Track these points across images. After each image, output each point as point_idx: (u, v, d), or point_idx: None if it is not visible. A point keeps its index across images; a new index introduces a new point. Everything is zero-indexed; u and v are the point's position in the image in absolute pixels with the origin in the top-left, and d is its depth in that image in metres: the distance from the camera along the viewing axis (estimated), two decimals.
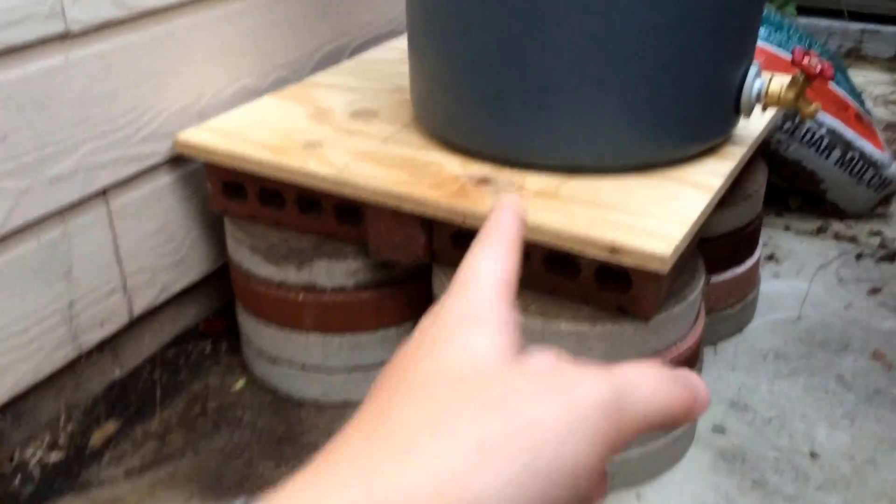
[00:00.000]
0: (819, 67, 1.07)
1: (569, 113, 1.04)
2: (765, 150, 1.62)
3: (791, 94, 1.11)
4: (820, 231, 1.64)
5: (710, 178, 1.07)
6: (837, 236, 1.62)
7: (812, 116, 1.12)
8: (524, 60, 1.02)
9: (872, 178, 1.62)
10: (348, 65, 1.47)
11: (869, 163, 1.61)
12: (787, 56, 1.65)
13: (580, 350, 1.00)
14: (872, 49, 2.53)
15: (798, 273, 1.51)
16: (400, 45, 1.44)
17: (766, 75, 1.14)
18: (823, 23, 2.57)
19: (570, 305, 1.02)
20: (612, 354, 1.01)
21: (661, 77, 1.03)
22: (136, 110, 1.13)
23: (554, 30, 0.99)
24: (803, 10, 2.60)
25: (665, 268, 0.91)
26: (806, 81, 1.10)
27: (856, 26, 2.54)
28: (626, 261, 0.93)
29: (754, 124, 1.21)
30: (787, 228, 1.66)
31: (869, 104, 2.22)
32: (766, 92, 1.11)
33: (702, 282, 1.09)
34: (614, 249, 0.93)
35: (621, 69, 1.01)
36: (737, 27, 1.07)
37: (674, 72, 1.03)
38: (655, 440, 1.08)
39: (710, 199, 1.04)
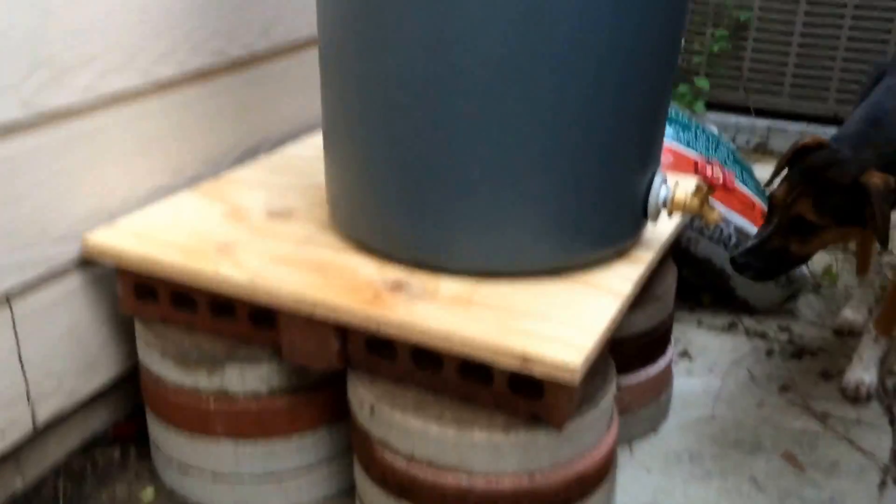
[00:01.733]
0: (721, 178, 1.11)
1: (481, 219, 1.06)
2: (675, 248, 1.66)
3: (695, 202, 1.14)
4: (731, 327, 1.69)
5: (620, 284, 1.10)
6: (748, 332, 1.67)
7: (715, 223, 1.16)
8: (438, 167, 1.04)
9: None
10: (267, 160, 1.47)
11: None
12: (694, 155, 1.72)
13: (495, 459, 0.99)
14: (779, 144, 2.65)
15: (711, 370, 1.54)
16: (319, 140, 1.45)
17: (671, 182, 1.17)
18: (732, 119, 2.68)
19: (485, 412, 1.02)
20: (526, 463, 1.00)
21: (571, 185, 1.05)
22: (43, 211, 1.11)
23: (467, 138, 1.01)
24: (712, 106, 2.71)
25: (575, 378, 0.92)
26: (709, 190, 1.14)
27: (762, 123, 2.66)
28: (537, 371, 0.93)
29: (662, 228, 1.24)
30: (699, 324, 1.69)
31: None
32: (672, 199, 1.15)
33: (613, 386, 1.10)
34: (525, 359, 0.94)
35: (532, 177, 1.03)
36: (642, 137, 1.11)
37: (583, 181, 1.06)
38: None
39: (620, 306, 1.06)
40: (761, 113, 2.67)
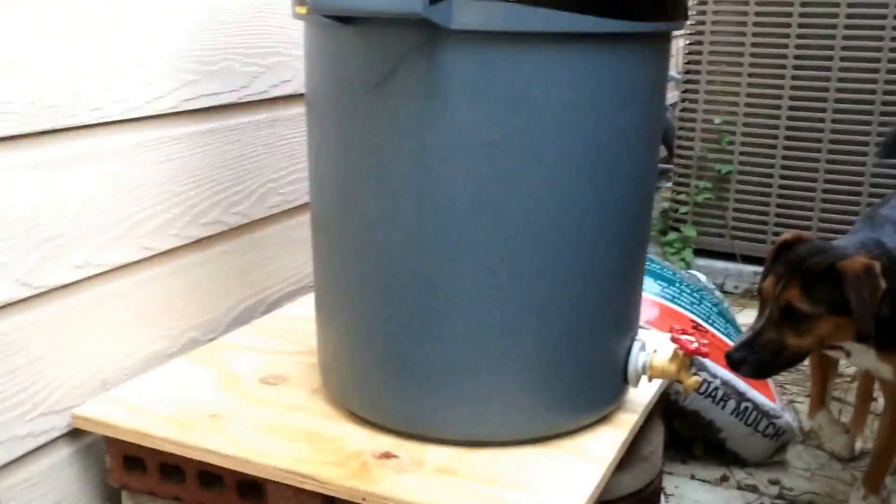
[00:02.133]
0: (697, 345, 1.14)
1: (467, 391, 1.08)
2: (664, 401, 1.68)
3: (673, 368, 1.17)
4: (723, 480, 1.68)
5: (603, 450, 1.11)
6: (740, 486, 1.66)
7: (694, 388, 1.18)
8: (424, 343, 1.07)
9: (767, 427, 1.68)
10: (262, 323, 1.50)
11: (762, 412, 1.68)
12: (679, 309, 1.75)
13: None
14: None
15: None
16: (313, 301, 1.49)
17: (650, 348, 1.20)
18: (720, 265, 2.74)
19: None
20: None
21: (552, 357, 1.09)
22: (35, 386, 1.13)
23: (451, 317, 1.05)
24: (701, 253, 2.78)
25: None
26: (686, 357, 1.17)
27: (749, 268, 2.71)
28: None
29: (644, 391, 1.26)
30: (692, 477, 1.69)
31: None
32: (650, 365, 1.17)
33: None
34: None
35: (514, 350, 1.07)
36: (620, 307, 1.15)
37: (564, 352, 1.09)
38: None
39: (604, 472, 1.07)
40: (748, 259, 2.73)
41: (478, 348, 1.07)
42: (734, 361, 1.33)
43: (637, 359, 1.18)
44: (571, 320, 1.09)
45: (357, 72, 1.03)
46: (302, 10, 1.01)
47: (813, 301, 1.29)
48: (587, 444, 1.13)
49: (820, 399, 1.64)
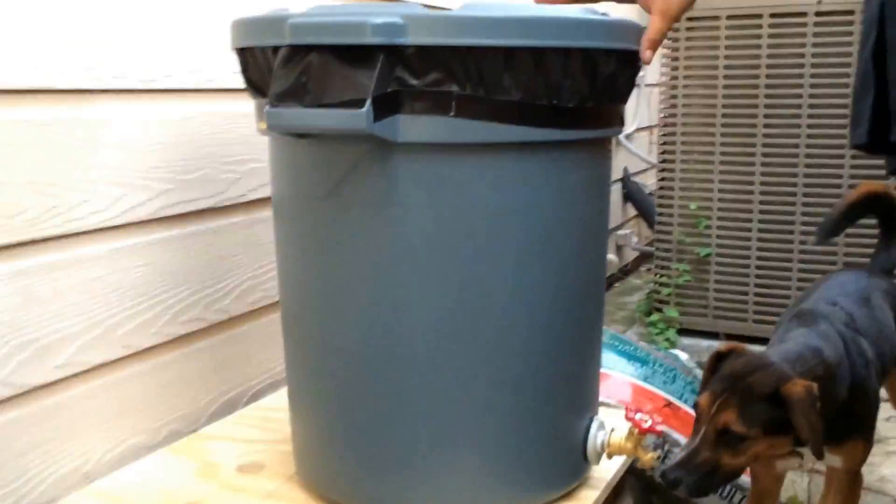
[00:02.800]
0: (648, 423, 1.19)
1: (430, 478, 1.13)
2: (641, 477, 1.71)
3: (629, 445, 1.22)
4: None
5: None
6: None
7: (649, 465, 1.23)
8: (386, 431, 1.13)
9: (741, 500, 1.71)
10: (244, 413, 1.56)
11: (736, 486, 1.71)
12: (652, 389, 1.81)
13: None
14: None
15: None
16: None
17: (608, 426, 1.25)
18: (704, 343, 2.79)
19: None
20: None
21: (510, 437, 1.14)
22: (18, 481, 1.19)
23: (411, 408, 1.11)
24: (685, 332, 2.83)
25: None
26: (640, 434, 1.22)
27: None
28: None
29: (607, 467, 1.31)
30: None
31: None
32: (608, 443, 1.22)
33: None
34: None
35: (472, 432, 1.12)
36: (576, 389, 1.20)
37: (521, 432, 1.14)
38: None
39: None
40: (730, 337, 2.78)
41: (437, 434, 1.12)
42: (669, 481, 1.32)
43: (595, 437, 1.22)
44: (529, 401, 1.14)
45: (312, 181, 1.11)
46: (262, 126, 1.10)
47: (749, 423, 1.28)
48: None
49: None
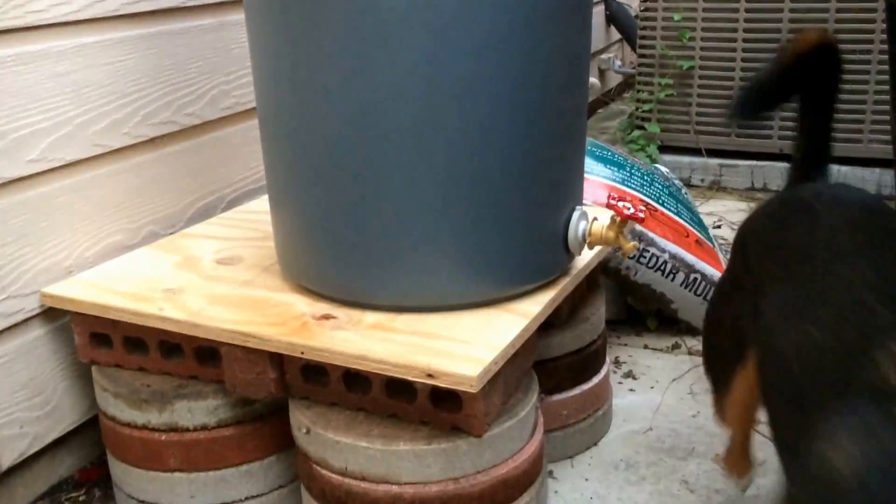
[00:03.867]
0: (630, 211, 1.20)
1: (403, 261, 1.15)
2: (617, 277, 1.76)
3: (611, 234, 1.24)
4: (675, 348, 1.77)
5: (531, 307, 1.19)
6: (690, 352, 1.75)
7: (630, 253, 1.25)
8: (358, 222, 1.15)
9: None
10: (223, 216, 1.58)
11: (711, 283, 1.75)
12: (629, 191, 1.82)
13: (420, 468, 1.07)
14: (730, 181, 2.76)
15: (652, 387, 1.62)
16: None
17: (591, 216, 1.27)
18: (686, 160, 2.80)
19: (410, 427, 1.10)
20: (450, 470, 1.08)
21: (484, 225, 1.15)
22: (1, 271, 1.21)
23: (386, 193, 1.12)
24: (666, 149, 2.83)
25: (475, 388, 1.01)
26: (622, 222, 1.24)
27: (714, 161, 2.77)
28: (442, 383, 1.02)
29: (581, 257, 1.33)
30: (645, 347, 1.78)
31: (724, 230, 2.41)
32: (590, 232, 1.24)
33: (535, 398, 1.19)
34: (430, 374, 1.03)
35: (445, 219, 1.13)
36: (553, 178, 1.21)
37: (496, 220, 1.15)
38: None
39: (527, 324, 1.14)
40: (712, 153, 2.79)
41: (415, 223, 1.13)
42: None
43: (577, 227, 1.23)
44: (503, 188, 1.14)
45: None
46: None
47: None
48: (520, 304, 1.20)
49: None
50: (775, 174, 2.71)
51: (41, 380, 1.29)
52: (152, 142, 1.46)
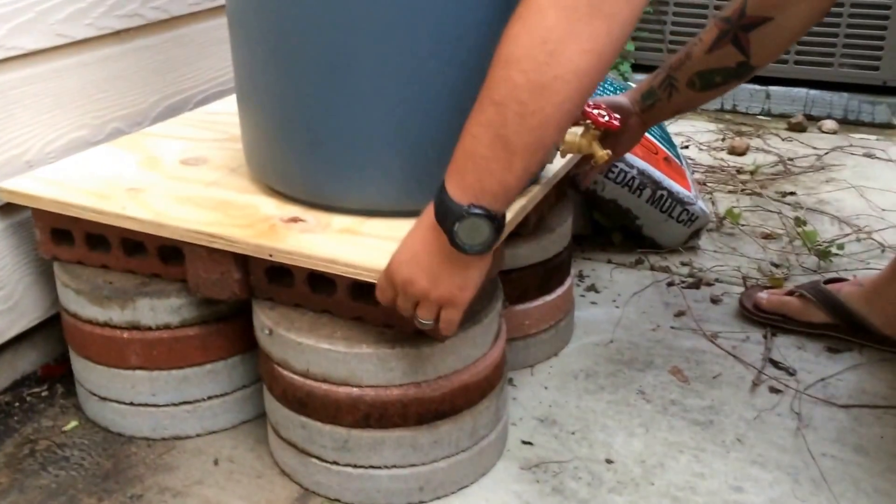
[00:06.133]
0: (605, 118, 1.20)
1: (369, 164, 1.13)
2: (584, 191, 1.76)
3: (584, 142, 1.23)
4: (638, 263, 1.79)
5: None
6: (653, 267, 1.77)
7: (603, 161, 1.25)
8: (329, 121, 1.12)
9: (681, 213, 1.78)
10: (188, 116, 1.55)
11: (676, 200, 1.77)
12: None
13: (383, 372, 1.08)
14: None
15: (614, 301, 1.64)
16: None
17: None
18: None
19: (373, 331, 1.11)
20: (412, 374, 1.10)
21: (451, 130, 1.12)
22: None
23: (353, 91, 1.09)
24: (639, 68, 2.81)
25: None
26: (596, 130, 1.23)
27: None
28: None
29: (553, 167, 1.33)
30: (609, 262, 1.79)
31: (692, 150, 2.42)
32: (563, 140, 1.23)
33: (498, 306, 1.20)
34: None
35: (412, 121, 1.11)
36: None
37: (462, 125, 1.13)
38: (462, 452, 1.17)
39: None
40: None
41: (378, 121, 1.11)
42: None
43: None
44: (472, 92, 1.12)
45: None
46: None
47: None
48: None
49: None
50: (745, 95, 2.71)
51: (2, 274, 1.27)
52: (118, 35, 1.41)
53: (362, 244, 1.10)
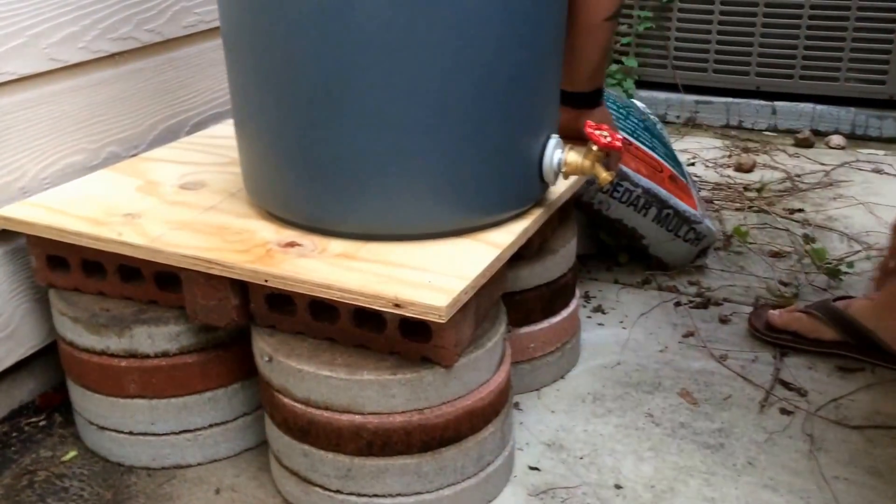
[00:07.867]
0: (607, 139, 1.17)
1: (370, 187, 1.11)
2: (589, 211, 1.74)
3: (588, 163, 1.21)
4: (644, 283, 1.76)
5: (502, 237, 1.16)
6: (660, 287, 1.74)
7: (607, 182, 1.22)
8: (325, 147, 1.10)
9: (687, 232, 1.75)
10: (186, 140, 1.54)
11: (683, 219, 1.74)
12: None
13: (385, 398, 1.06)
14: (706, 118, 2.74)
15: (621, 322, 1.62)
16: None
17: (566, 146, 1.23)
18: (662, 95, 2.76)
19: (374, 357, 1.08)
20: (415, 401, 1.07)
21: (453, 153, 1.11)
22: None
23: (355, 115, 1.07)
24: (643, 85, 2.79)
25: (443, 318, 0.99)
26: (599, 151, 1.21)
27: (690, 98, 2.74)
28: (409, 313, 1.00)
29: (557, 189, 1.31)
30: (615, 282, 1.77)
31: (698, 168, 2.39)
32: (566, 161, 1.21)
33: (502, 330, 1.17)
34: (398, 304, 1.00)
35: (413, 146, 1.09)
36: (531, 104, 1.16)
37: (465, 148, 1.11)
38: (468, 479, 1.14)
39: (498, 255, 1.12)
40: (689, 89, 2.76)
41: (379, 145, 1.09)
42: None
43: (552, 155, 1.20)
44: (479, 110, 1.10)
45: None
46: None
47: None
48: (491, 234, 1.17)
49: None
50: (751, 111, 2.69)
51: None
52: (112, 58, 1.40)
53: (358, 269, 1.07)
